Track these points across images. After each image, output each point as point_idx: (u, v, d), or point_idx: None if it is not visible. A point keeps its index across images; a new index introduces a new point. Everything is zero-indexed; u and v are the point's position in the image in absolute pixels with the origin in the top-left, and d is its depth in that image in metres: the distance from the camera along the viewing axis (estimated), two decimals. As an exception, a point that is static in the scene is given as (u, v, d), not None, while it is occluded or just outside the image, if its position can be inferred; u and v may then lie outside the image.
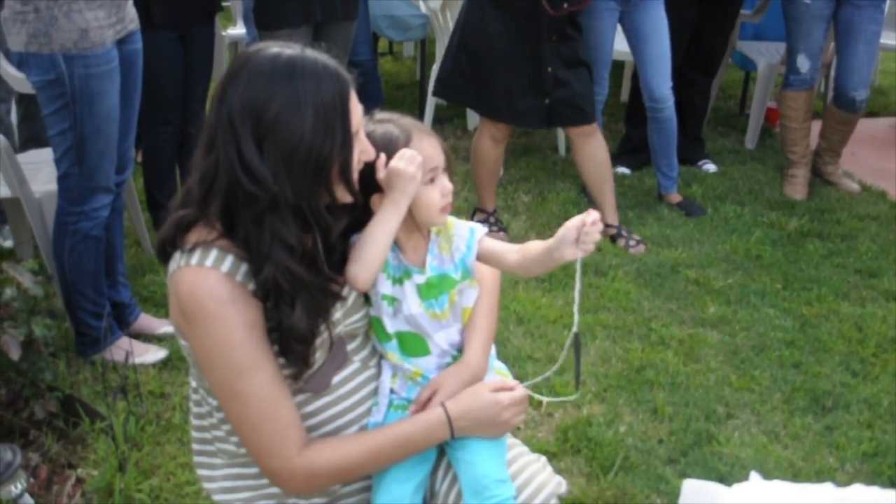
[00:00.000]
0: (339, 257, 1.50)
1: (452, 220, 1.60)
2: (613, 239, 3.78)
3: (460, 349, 1.59)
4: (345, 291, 1.51)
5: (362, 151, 1.42)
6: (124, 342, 2.77)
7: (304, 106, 1.32)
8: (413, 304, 1.52)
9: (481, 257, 1.58)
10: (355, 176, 1.42)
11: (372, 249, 1.46)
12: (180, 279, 1.38)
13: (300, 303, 1.38)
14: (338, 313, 1.49)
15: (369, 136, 1.48)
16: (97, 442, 2.41)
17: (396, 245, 1.53)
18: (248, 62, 1.35)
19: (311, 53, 1.37)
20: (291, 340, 1.39)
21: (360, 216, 1.52)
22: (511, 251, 1.57)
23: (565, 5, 3.36)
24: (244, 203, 1.34)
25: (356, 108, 1.40)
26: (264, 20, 3.53)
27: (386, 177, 1.45)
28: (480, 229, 1.59)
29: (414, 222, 1.52)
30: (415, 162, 1.44)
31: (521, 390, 1.55)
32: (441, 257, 1.55)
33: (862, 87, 4.13)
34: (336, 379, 1.52)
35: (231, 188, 1.34)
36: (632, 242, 3.74)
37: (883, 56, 6.26)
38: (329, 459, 1.45)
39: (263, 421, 1.40)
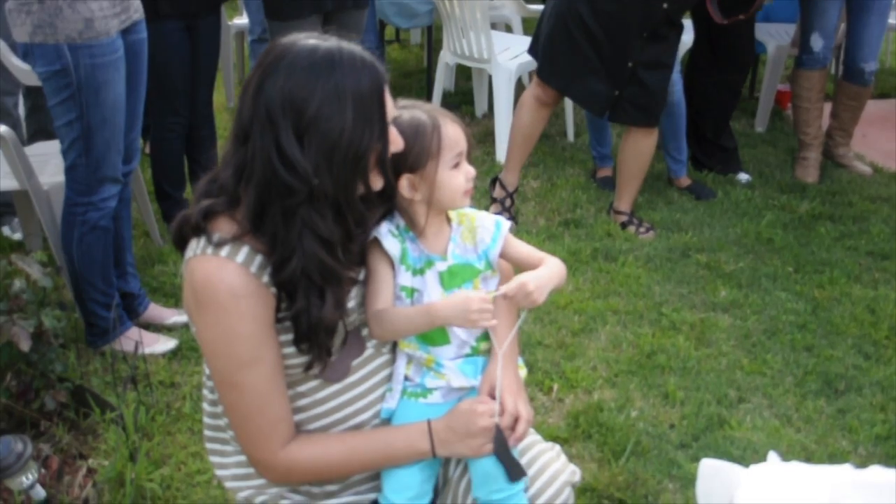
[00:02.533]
0: (359, 248, 1.50)
1: (475, 212, 1.59)
2: (624, 226, 3.76)
3: (478, 338, 1.57)
4: (361, 276, 1.51)
5: (392, 142, 1.42)
6: (134, 332, 2.78)
7: (344, 100, 1.32)
8: (434, 293, 1.51)
9: (504, 254, 1.58)
10: None
11: (398, 331, 1.51)
12: (196, 267, 1.38)
13: (330, 293, 1.39)
14: (352, 302, 1.50)
15: (397, 120, 1.48)
16: (108, 432, 2.41)
17: (417, 234, 1.53)
18: (286, 54, 1.34)
19: (348, 46, 1.37)
20: (320, 331, 1.40)
21: (383, 209, 1.53)
22: (531, 259, 1.57)
23: (741, 16, 3.48)
24: (279, 195, 1.34)
25: (389, 99, 1.41)
26: (274, 10, 3.52)
27: (464, 301, 1.44)
28: (506, 224, 1.59)
29: (435, 208, 1.52)
30: (485, 315, 1.44)
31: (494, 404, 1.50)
32: (464, 246, 1.55)
33: (871, 58, 4.12)
34: (353, 362, 1.52)
35: (267, 181, 1.34)
36: (642, 230, 3.73)
37: (894, 37, 6.21)
38: (310, 455, 1.47)
39: (255, 413, 1.43)
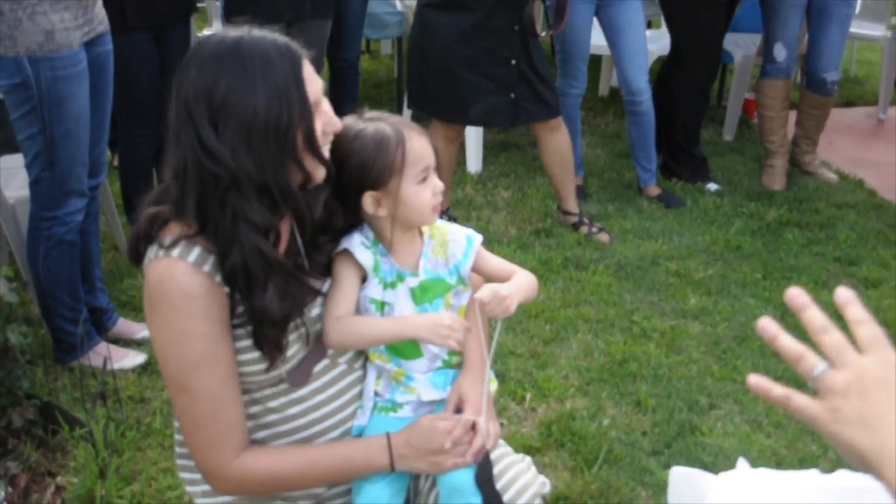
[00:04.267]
0: (326, 259, 1.49)
1: (447, 226, 1.57)
2: (575, 227, 3.80)
3: (450, 352, 1.56)
4: (325, 287, 1.49)
5: (327, 123, 1.39)
6: (102, 348, 2.74)
7: (252, 80, 1.32)
8: (405, 308, 1.50)
9: (475, 268, 1.57)
10: (325, 149, 1.40)
11: (364, 338, 1.49)
12: (149, 270, 1.37)
13: (272, 285, 1.37)
14: (316, 309, 1.48)
15: (361, 134, 1.46)
16: (77, 449, 2.38)
17: (387, 248, 1.51)
18: (198, 49, 1.36)
19: (258, 32, 1.37)
20: (265, 324, 1.37)
21: (350, 219, 1.51)
22: (503, 272, 1.57)
23: (544, 33, 3.44)
24: (209, 186, 1.33)
25: (313, 78, 1.38)
26: (231, 19, 3.52)
27: (436, 318, 1.46)
28: (478, 238, 1.58)
29: (402, 225, 1.50)
30: (455, 334, 1.45)
31: (462, 418, 1.48)
32: (435, 261, 1.53)
33: (833, 68, 4.17)
34: (320, 382, 1.51)
35: (198, 174, 1.33)
36: (594, 230, 3.78)
37: (859, 46, 6.31)
38: (265, 466, 1.44)
39: (208, 419, 1.40)
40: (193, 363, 1.37)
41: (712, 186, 4.31)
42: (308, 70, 1.37)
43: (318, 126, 1.38)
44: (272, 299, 1.36)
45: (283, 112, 1.33)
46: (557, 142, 3.66)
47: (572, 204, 3.81)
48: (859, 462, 0.84)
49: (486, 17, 3.34)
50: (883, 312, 3.21)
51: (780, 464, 2.47)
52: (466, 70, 3.41)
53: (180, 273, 1.34)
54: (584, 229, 3.78)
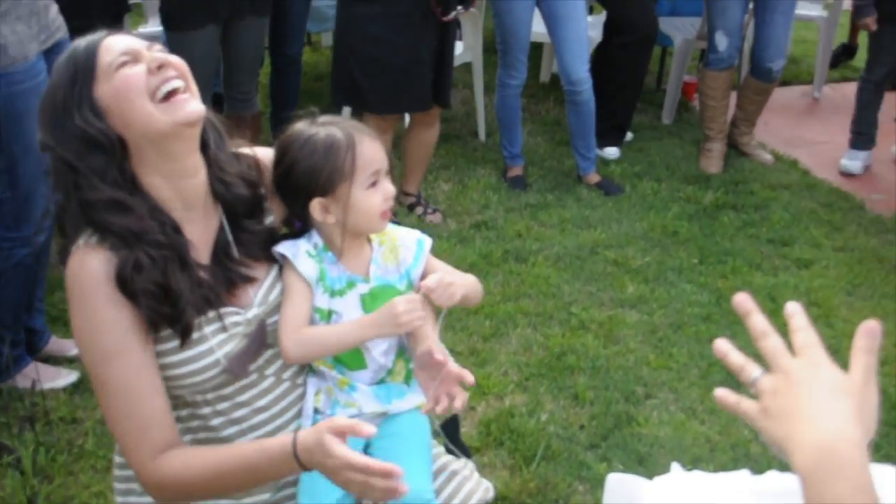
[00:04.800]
0: (258, 241, 1.47)
1: (395, 229, 1.56)
2: (411, 207, 3.91)
3: (394, 360, 1.54)
4: (267, 277, 1.48)
5: (152, 61, 1.39)
6: (31, 369, 2.68)
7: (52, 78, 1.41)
8: (354, 316, 1.48)
9: (423, 273, 1.55)
10: (168, 86, 1.37)
11: (327, 348, 1.46)
12: (69, 262, 1.36)
13: (136, 257, 1.34)
14: (254, 310, 1.45)
15: (311, 139, 1.44)
16: (5, 478, 2.33)
17: (336, 255, 1.49)
18: None
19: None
20: (146, 296, 1.33)
21: (291, 220, 1.52)
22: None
23: (458, 9, 3.46)
24: (56, 180, 1.39)
25: (112, 44, 1.41)
26: (170, 21, 3.47)
27: (389, 307, 1.43)
28: (427, 241, 1.57)
29: (351, 231, 1.47)
30: (414, 313, 1.42)
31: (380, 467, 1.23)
32: (385, 267, 1.52)
33: (779, 57, 4.20)
34: (265, 400, 1.48)
35: (53, 176, 1.40)
36: (429, 210, 3.91)
37: (796, 25, 6.37)
38: (177, 470, 1.35)
39: (122, 414, 1.35)
40: (106, 352, 1.35)
41: (612, 152, 4.41)
42: (109, 39, 1.42)
43: (135, 70, 1.37)
44: (144, 275, 1.33)
45: (59, 87, 1.38)
46: (430, 136, 3.82)
47: (414, 186, 3.93)
48: (782, 454, 0.93)
49: (414, 4, 3.35)
50: (815, 293, 3.27)
51: (713, 450, 2.51)
52: (399, 59, 3.43)
53: (93, 259, 1.34)
54: (419, 210, 3.91)
